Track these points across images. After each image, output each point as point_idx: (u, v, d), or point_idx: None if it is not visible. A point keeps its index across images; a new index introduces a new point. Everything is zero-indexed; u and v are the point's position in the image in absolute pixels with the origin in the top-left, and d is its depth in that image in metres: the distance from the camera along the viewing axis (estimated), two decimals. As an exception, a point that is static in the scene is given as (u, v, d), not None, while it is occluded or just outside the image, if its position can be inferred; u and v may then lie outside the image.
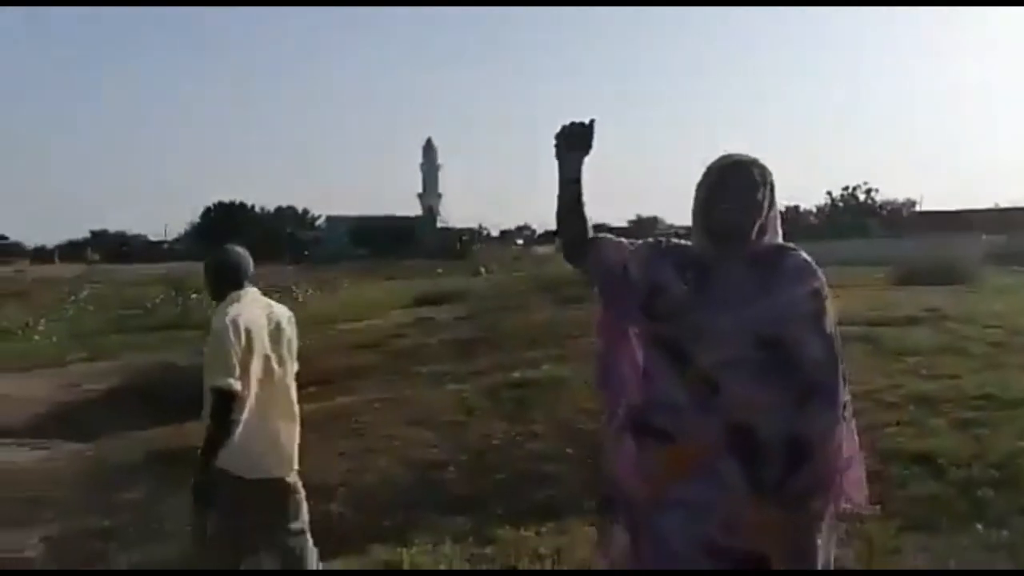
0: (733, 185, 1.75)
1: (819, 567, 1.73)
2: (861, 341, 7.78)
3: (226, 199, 74.44)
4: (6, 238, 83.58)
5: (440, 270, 37.61)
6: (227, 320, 2.85)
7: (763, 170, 1.79)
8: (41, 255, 76.67)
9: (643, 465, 1.75)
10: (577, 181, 1.82)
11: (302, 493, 3.08)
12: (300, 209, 78.75)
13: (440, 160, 72.80)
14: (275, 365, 2.94)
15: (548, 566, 3.49)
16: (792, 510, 1.69)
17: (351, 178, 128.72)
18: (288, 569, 3.02)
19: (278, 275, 32.26)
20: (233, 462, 2.79)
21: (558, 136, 1.82)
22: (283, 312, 3.11)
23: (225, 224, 69.45)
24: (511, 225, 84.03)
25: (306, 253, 55.42)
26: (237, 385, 2.75)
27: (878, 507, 2.01)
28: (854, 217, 43.63)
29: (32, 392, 12.02)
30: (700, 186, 1.81)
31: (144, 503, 5.64)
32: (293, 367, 3.09)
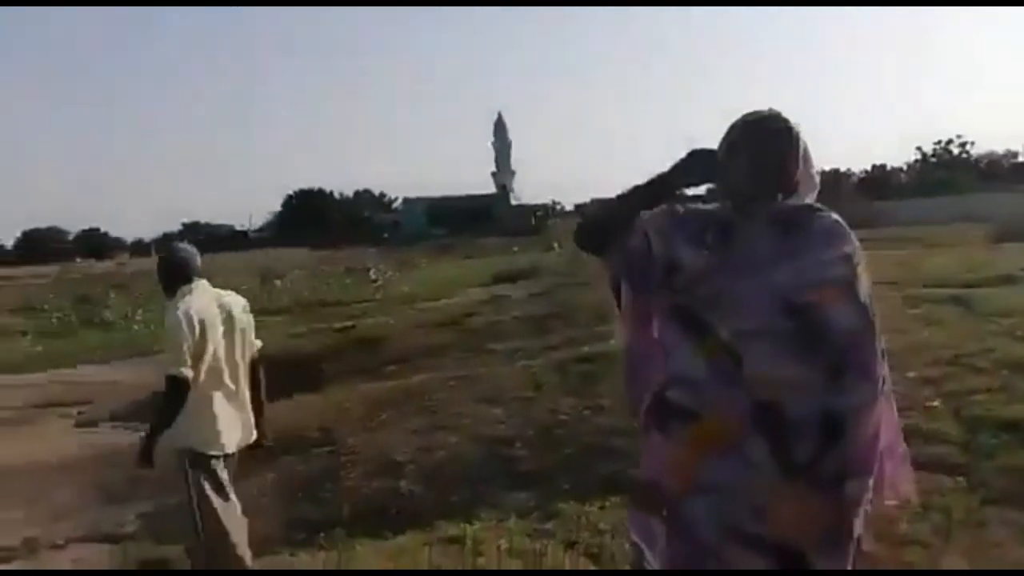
0: (756, 141, 1.63)
1: (851, 558, 1.58)
2: (951, 303, 7.38)
3: (306, 186, 76.53)
4: (105, 233, 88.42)
5: (516, 247, 37.79)
6: (179, 313, 3.09)
7: (788, 125, 1.67)
8: (139, 248, 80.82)
9: (671, 454, 1.61)
10: (658, 202, 1.68)
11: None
12: (377, 192, 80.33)
13: (511, 136, 72.67)
14: (228, 351, 3.19)
15: (607, 540, 3.47)
16: (825, 493, 1.55)
17: (427, 159, 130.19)
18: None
19: (358, 258, 33.12)
20: (194, 439, 3.12)
21: (687, 161, 1.64)
22: (236, 301, 3.34)
23: (306, 211, 71.56)
24: (586, 199, 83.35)
25: (385, 236, 56.45)
26: (188, 373, 3.04)
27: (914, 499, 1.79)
28: (948, 172, 41.39)
29: (135, 379, 12.69)
30: (722, 144, 1.69)
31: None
32: (248, 351, 3.31)
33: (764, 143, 1.63)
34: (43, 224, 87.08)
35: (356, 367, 10.07)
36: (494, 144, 73.73)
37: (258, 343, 3.39)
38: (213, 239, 74.34)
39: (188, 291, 3.18)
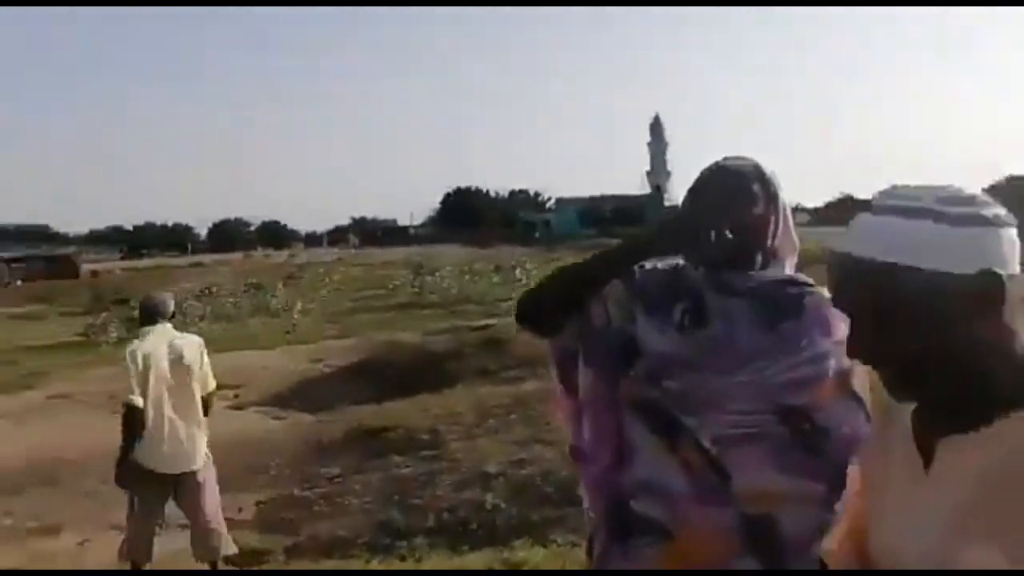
0: (727, 197, 1.35)
1: None
2: None
3: (464, 185, 78.88)
4: (284, 225, 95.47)
5: (666, 250, 36.94)
6: (128, 351, 3.73)
7: (764, 177, 1.39)
8: (312, 240, 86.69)
9: (633, 566, 1.36)
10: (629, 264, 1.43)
11: (211, 485, 3.87)
12: (533, 192, 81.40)
13: (668, 138, 71.25)
14: (174, 385, 3.67)
15: None
16: None
17: (583, 160, 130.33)
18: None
19: (507, 256, 33.66)
20: (147, 460, 3.63)
21: (659, 233, 1.40)
22: (189, 342, 3.82)
23: (462, 208, 73.77)
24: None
25: (536, 235, 57.05)
26: (137, 401, 3.57)
27: None
28: None
29: (286, 366, 13.62)
30: (686, 198, 1.42)
31: (339, 477, 6.18)
32: (197, 385, 3.78)
33: (735, 199, 1.35)
34: (231, 216, 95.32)
35: (480, 368, 10.24)
36: (650, 144, 72.55)
37: (212, 383, 3.90)
38: (376, 233, 78.28)
39: (144, 333, 3.77)
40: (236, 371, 13.85)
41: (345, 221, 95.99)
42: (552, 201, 75.12)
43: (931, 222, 0.83)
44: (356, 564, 4.14)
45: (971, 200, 0.85)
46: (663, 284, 1.43)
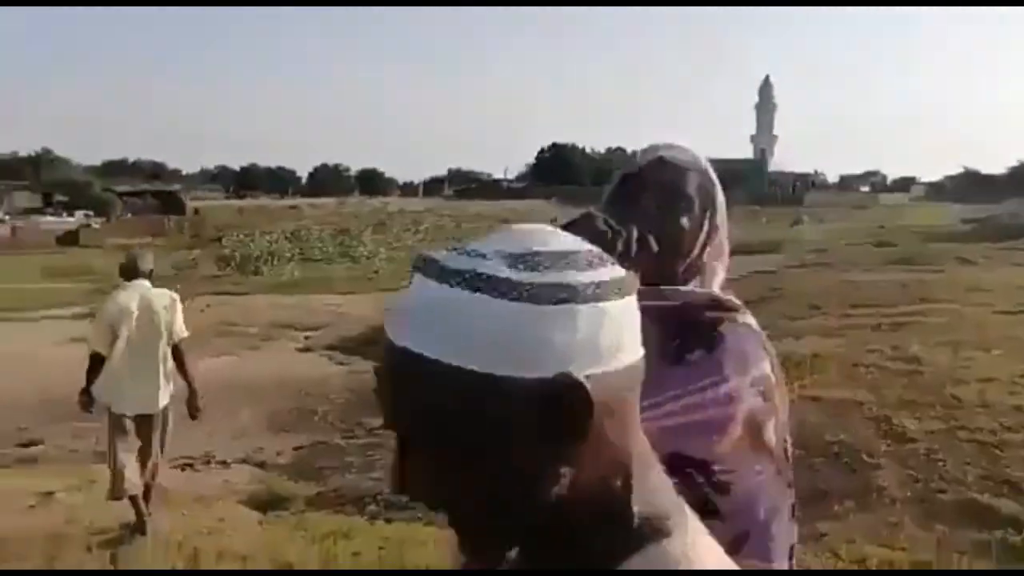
0: (661, 199, 1.12)
1: None
2: None
3: (560, 140, 78.02)
4: (381, 173, 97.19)
5: (765, 219, 35.52)
6: (105, 304, 4.08)
7: (705, 176, 1.16)
8: (407, 189, 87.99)
9: None
10: None
11: (168, 425, 4.06)
12: (629, 151, 79.69)
13: (776, 100, 68.14)
14: (144, 336, 3.93)
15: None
16: None
17: (680, 120, 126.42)
18: None
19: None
20: (107, 399, 3.93)
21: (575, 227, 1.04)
22: (160, 296, 4.05)
23: (557, 164, 73.06)
24: (857, 170, 76.37)
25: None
26: (101, 350, 3.92)
27: None
28: None
29: (362, 312, 13.74)
30: (610, 193, 1.18)
31: (380, 429, 6.10)
32: (164, 336, 3.99)
33: (659, 200, 1.11)
34: (331, 161, 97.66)
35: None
36: (757, 106, 69.70)
37: (182, 333, 4.08)
38: (471, 186, 78.65)
39: (122, 287, 4.07)
40: (312, 313, 14.18)
41: (442, 172, 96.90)
42: (649, 161, 73.42)
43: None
44: (366, 522, 4.02)
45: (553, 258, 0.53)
46: None
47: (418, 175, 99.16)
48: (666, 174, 1.13)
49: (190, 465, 5.63)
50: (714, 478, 1.04)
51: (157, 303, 3.99)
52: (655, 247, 1.04)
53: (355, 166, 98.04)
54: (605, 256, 0.57)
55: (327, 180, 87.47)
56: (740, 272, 14.97)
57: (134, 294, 3.97)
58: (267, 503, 4.55)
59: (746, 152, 67.21)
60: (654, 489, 0.57)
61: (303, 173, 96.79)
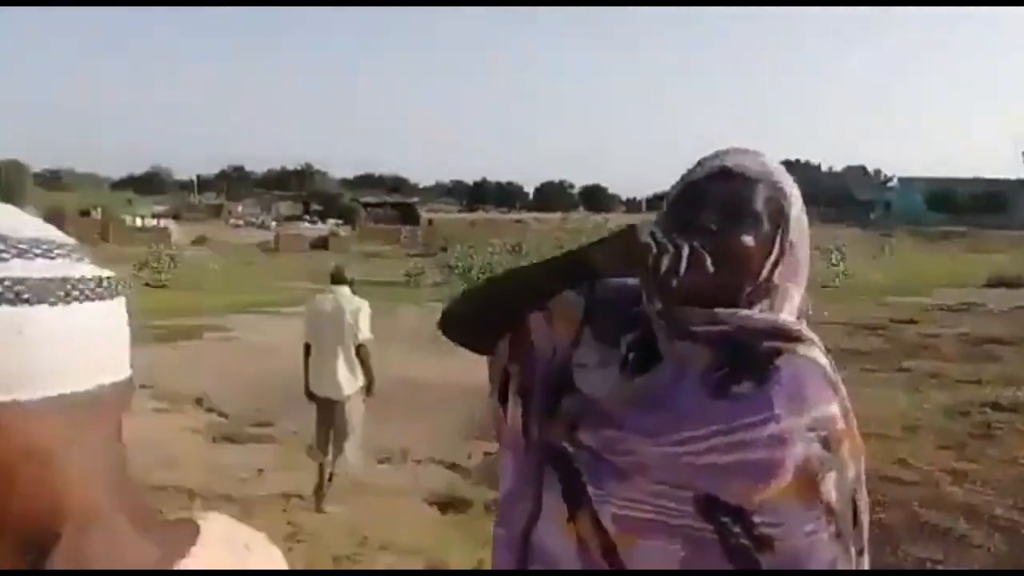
0: (707, 211, 0.97)
1: None
2: None
3: (789, 157, 74.06)
4: (605, 189, 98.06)
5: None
6: (309, 305, 4.80)
7: (776, 189, 0.99)
8: (631, 205, 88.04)
9: None
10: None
11: (355, 416, 4.66)
12: (872, 170, 73.79)
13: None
14: (336, 334, 4.56)
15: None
16: None
17: (930, 136, 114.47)
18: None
19: (826, 236, 30.99)
20: (315, 387, 4.59)
21: (618, 240, 0.99)
22: (351, 301, 4.60)
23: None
24: None
25: (872, 216, 51.84)
26: (308, 340, 4.66)
27: None
28: None
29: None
30: (667, 202, 1.06)
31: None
32: (349, 336, 4.57)
33: (722, 215, 0.96)
34: (556, 178, 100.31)
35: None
36: (1031, 119, 61.38)
37: (367, 334, 4.60)
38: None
39: (326, 291, 4.73)
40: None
41: (665, 188, 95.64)
42: (894, 180, 67.38)
43: None
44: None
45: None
46: (619, 305, 1.08)
47: (641, 192, 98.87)
48: (730, 186, 0.99)
49: (387, 459, 6.00)
50: (755, 531, 0.92)
51: (347, 307, 4.64)
52: (711, 267, 0.93)
53: (579, 182, 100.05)
54: (75, 249, 0.44)
55: (552, 195, 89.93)
56: (1002, 307, 13.24)
57: (331, 298, 4.69)
58: (449, 504, 4.73)
59: (1018, 171, 59.38)
60: None
61: (530, 189, 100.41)
